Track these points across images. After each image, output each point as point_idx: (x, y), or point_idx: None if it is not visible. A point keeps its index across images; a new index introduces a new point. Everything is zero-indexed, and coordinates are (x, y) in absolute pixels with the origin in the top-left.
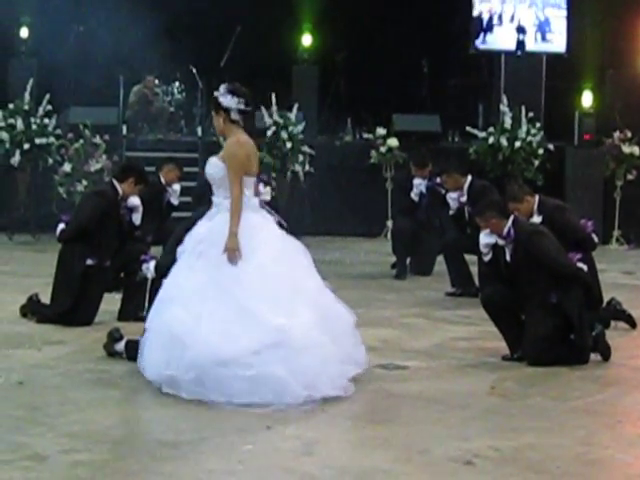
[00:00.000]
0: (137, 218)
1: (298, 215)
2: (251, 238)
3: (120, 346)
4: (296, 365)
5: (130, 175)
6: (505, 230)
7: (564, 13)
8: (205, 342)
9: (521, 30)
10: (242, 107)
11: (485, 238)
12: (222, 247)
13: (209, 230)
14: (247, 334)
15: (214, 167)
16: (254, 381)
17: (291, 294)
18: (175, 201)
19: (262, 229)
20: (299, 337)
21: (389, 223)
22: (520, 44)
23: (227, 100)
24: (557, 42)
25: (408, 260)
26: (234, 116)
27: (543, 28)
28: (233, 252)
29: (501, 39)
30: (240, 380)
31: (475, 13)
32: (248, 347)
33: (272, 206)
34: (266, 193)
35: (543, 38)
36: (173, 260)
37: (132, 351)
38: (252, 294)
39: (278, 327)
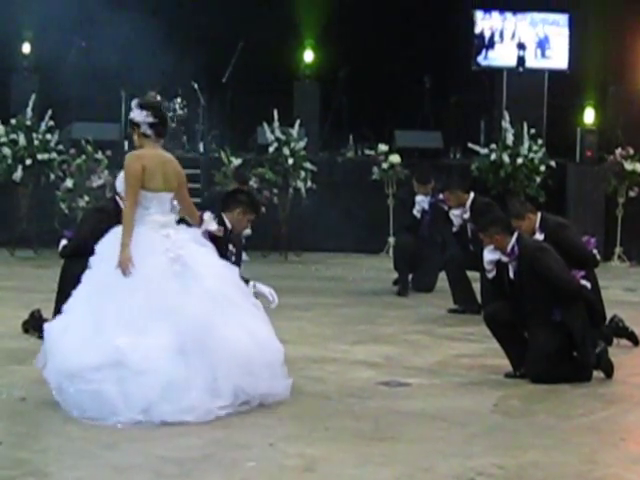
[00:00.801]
0: None
1: (300, 231)
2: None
3: None
4: (132, 387)
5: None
6: (509, 247)
7: (564, 31)
8: (61, 353)
9: (521, 47)
10: (150, 120)
11: (489, 255)
12: (106, 259)
13: (102, 243)
14: (95, 350)
15: (119, 181)
16: (92, 397)
17: (155, 314)
18: (177, 217)
19: (148, 247)
20: (138, 360)
21: (391, 239)
22: (520, 60)
23: (137, 115)
24: (558, 59)
25: (410, 277)
26: (145, 130)
27: (543, 45)
28: (125, 264)
29: (502, 56)
30: (82, 394)
31: (477, 30)
32: (90, 363)
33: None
34: (209, 222)
35: (543, 55)
36: None
37: None
38: (109, 309)
39: (118, 347)
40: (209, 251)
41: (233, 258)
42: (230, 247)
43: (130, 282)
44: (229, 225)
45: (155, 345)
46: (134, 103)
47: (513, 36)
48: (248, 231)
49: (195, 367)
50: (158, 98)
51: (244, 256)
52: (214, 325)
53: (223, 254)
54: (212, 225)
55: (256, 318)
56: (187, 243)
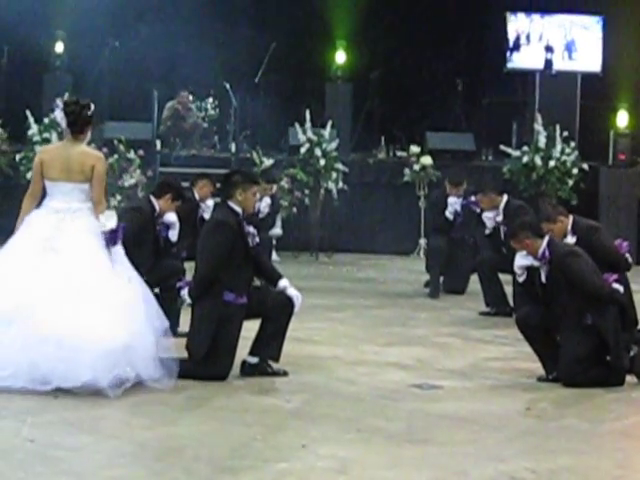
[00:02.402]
0: (174, 235)
1: (331, 233)
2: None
3: None
4: None
5: (167, 192)
6: (540, 251)
7: (597, 33)
8: None
9: (549, 49)
10: (64, 122)
11: (520, 259)
12: None
13: None
14: None
15: None
16: None
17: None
18: (208, 216)
19: (32, 229)
20: None
21: (422, 241)
22: (548, 63)
23: (58, 116)
24: (591, 61)
25: (441, 279)
26: (64, 129)
27: (570, 48)
28: None
29: (528, 58)
30: None
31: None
32: None
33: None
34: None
35: (570, 57)
36: None
37: None
38: None
39: None
40: (94, 242)
41: (256, 239)
42: (250, 229)
43: None
44: (239, 210)
45: None
46: (57, 104)
47: (540, 38)
48: (279, 231)
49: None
50: (190, 98)
51: (275, 256)
52: (39, 304)
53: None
54: (110, 222)
55: (104, 309)
56: (76, 230)
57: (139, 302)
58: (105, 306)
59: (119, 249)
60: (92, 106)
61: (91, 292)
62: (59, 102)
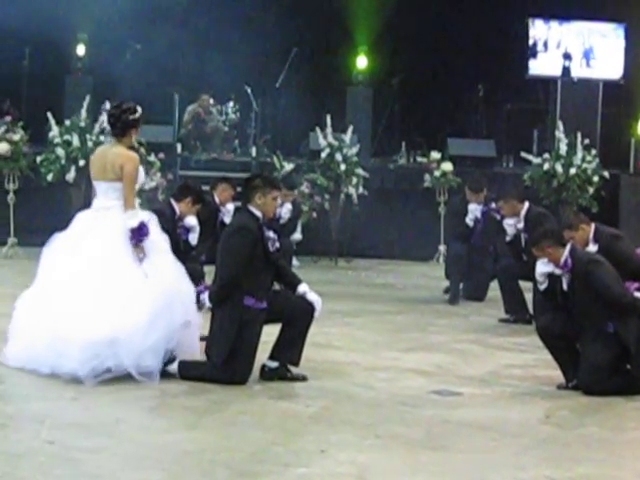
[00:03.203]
0: (194, 238)
1: (350, 238)
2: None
3: (173, 367)
4: None
5: (188, 195)
6: (562, 259)
7: (619, 41)
8: None
9: (567, 56)
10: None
11: (542, 267)
12: None
13: None
14: None
15: None
16: None
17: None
18: (228, 220)
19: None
20: None
21: (441, 247)
22: (565, 70)
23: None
24: (612, 69)
25: (461, 285)
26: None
27: (587, 55)
28: None
29: (549, 65)
30: None
31: (536, 38)
32: None
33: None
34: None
35: (587, 65)
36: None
37: (185, 371)
38: None
39: None
40: (117, 239)
41: (276, 244)
42: (270, 234)
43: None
44: (259, 214)
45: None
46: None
47: (558, 46)
48: (299, 236)
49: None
50: (211, 102)
51: (295, 261)
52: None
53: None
54: (133, 220)
55: (98, 303)
56: (104, 227)
57: (147, 298)
58: (101, 300)
59: (153, 244)
60: (138, 110)
61: (93, 286)
62: (107, 106)
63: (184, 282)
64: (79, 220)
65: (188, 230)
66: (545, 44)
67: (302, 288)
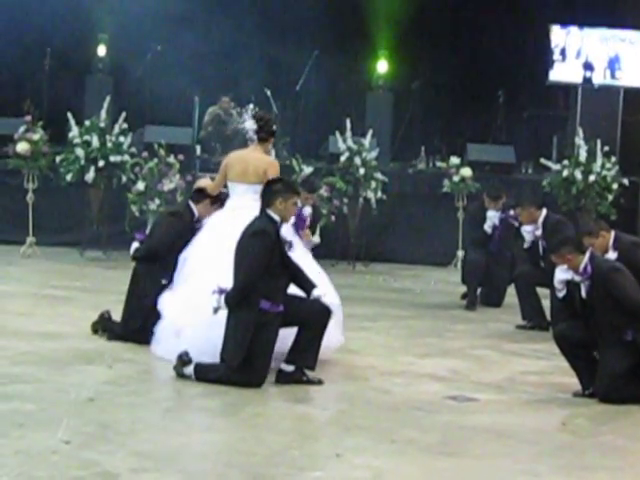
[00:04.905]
0: None
1: (368, 242)
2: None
3: (189, 369)
4: None
5: (206, 196)
6: (582, 266)
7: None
8: None
9: (588, 67)
10: (254, 128)
11: (561, 274)
12: None
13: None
14: None
15: None
16: None
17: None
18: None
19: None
20: None
21: (459, 253)
22: (587, 81)
23: (248, 123)
24: (634, 76)
25: (478, 291)
26: (250, 136)
27: (613, 65)
28: None
29: (570, 72)
30: None
31: (552, 45)
32: None
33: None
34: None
35: (612, 76)
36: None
37: (201, 374)
38: None
39: None
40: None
41: (292, 248)
42: (287, 238)
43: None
44: (278, 219)
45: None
46: (248, 114)
47: (578, 54)
48: (317, 239)
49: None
50: (232, 104)
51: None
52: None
53: None
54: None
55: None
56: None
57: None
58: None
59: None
60: (275, 123)
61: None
62: (249, 113)
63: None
64: (218, 221)
65: None
66: (563, 51)
67: (317, 292)
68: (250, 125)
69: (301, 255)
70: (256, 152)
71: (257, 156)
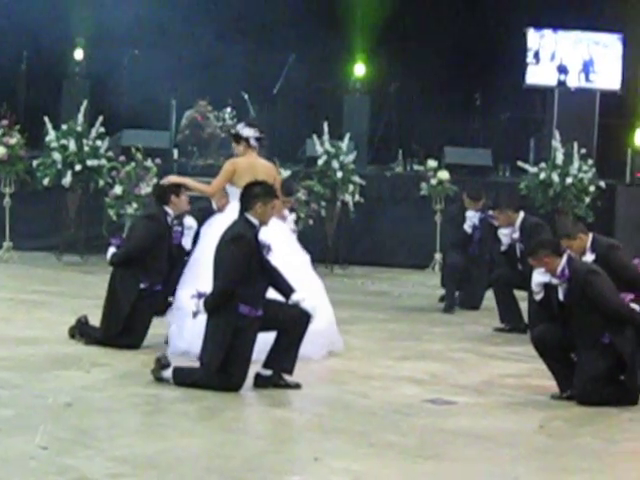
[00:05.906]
0: (187, 242)
1: (346, 245)
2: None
3: (167, 373)
4: None
5: (168, 194)
6: (559, 269)
7: (616, 51)
8: None
9: (562, 70)
10: (257, 135)
11: (538, 277)
12: None
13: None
14: None
15: None
16: None
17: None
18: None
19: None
20: None
21: (437, 256)
22: (561, 84)
23: (246, 131)
24: (610, 79)
25: (456, 294)
26: (253, 143)
27: (587, 68)
28: None
29: (547, 75)
30: None
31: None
32: None
33: None
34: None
35: (587, 79)
36: None
37: (179, 378)
38: None
39: None
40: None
41: (271, 252)
42: (266, 242)
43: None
44: (256, 222)
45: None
46: (243, 122)
47: (553, 57)
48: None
49: None
50: (209, 108)
51: None
52: None
53: None
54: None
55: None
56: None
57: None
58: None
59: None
60: None
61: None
62: (245, 122)
63: None
64: (227, 223)
65: (182, 233)
66: (536, 54)
67: (295, 297)
68: (252, 133)
69: (299, 264)
70: (259, 159)
71: (263, 163)
